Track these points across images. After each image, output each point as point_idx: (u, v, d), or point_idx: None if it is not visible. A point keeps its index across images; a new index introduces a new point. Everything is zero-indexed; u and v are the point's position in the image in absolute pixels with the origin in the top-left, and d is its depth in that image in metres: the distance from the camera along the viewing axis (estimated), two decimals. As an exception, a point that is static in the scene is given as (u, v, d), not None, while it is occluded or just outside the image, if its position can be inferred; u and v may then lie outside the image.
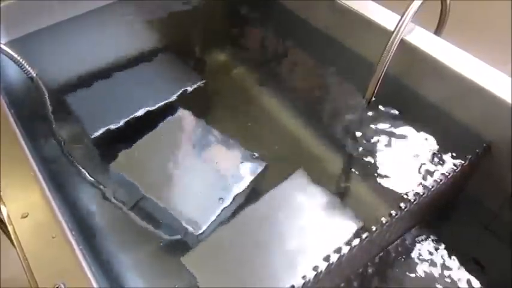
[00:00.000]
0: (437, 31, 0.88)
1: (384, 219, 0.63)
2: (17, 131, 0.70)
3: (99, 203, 0.76)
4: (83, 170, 0.79)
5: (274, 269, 0.65)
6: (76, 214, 0.71)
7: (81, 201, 0.76)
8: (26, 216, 0.58)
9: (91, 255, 0.59)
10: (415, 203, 0.66)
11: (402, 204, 0.65)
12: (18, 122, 0.74)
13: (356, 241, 0.59)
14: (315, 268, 0.57)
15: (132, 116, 0.85)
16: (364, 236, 0.60)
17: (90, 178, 0.78)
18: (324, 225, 0.70)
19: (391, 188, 0.75)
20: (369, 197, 0.77)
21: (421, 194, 0.66)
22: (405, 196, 0.67)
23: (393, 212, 0.64)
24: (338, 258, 0.59)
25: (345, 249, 0.59)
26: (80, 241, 0.57)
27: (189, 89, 0.91)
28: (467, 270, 0.72)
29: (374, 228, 0.62)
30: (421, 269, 0.72)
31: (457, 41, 0.79)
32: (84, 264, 0.53)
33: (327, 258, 0.58)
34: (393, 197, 0.73)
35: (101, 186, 0.77)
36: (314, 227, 0.69)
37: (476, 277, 0.72)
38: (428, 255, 0.74)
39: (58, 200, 0.63)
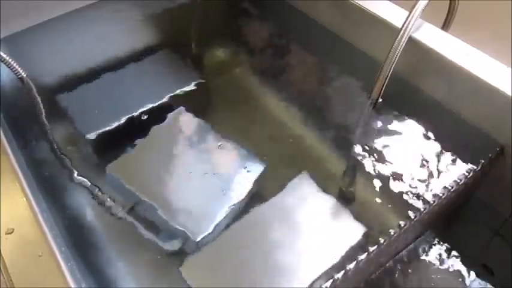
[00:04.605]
0: (444, 29, 0.85)
1: (392, 231, 0.60)
2: (3, 136, 0.68)
3: (93, 211, 0.74)
4: (76, 174, 0.77)
5: (276, 278, 0.63)
6: (68, 224, 0.69)
7: (74, 209, 0.74)
8: (11, 232, 0.55)
9: (82, 271, 0.57)
10: (425, 211, 0.63)
11: (411, 214, 0.63)
12: (7, 126, 0.72)
13: (363, 255, 0.57)
14: (320, 285, 0.55)
15: (128, 116, 0.83)
16: (371, 249, 0.58)
17: (85, 182, 0.76)
18: (329, 233, 0.68)
19: (399, 195, 0.73)
20: (375, 204, 0.75)
21: (431, 202, 0.64)
22: (414, 205, 0.64)
23: (402, 223, 0.61)
24: (344, 273, 0.57)
25: (351, 265, 0.56)
26: (69, 257, 0.55)
27: (188, 88, 0.89)
28: (477, 275, 0.71)
29: (382, 241, 0.60)
30: (431, 276, 0.70)
31: (461, 39, 0.77)
32: (72, 285, 0.50)
33: (332, 275, 0.55)
34: (402, 205, 0.71)
35: (96, 191, 0.75)
36: (318, 236, 0.68)
37: (487, 283, 0.70)
38: (438, 261, 0.72)
39: (47, 211, 0.60)
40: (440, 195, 0.65)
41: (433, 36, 0.77)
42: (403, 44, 0.75)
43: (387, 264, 0.71)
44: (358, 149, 0.80)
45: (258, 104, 0.94)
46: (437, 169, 0.74)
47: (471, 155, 0.72)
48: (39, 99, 0.78)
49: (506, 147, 0.71)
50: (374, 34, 0.85)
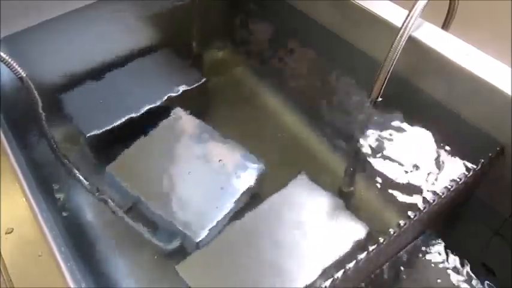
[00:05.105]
0: (444, 29, 0.85)
1: (391, 230, 0.60)
2: (3, 136, 0.67)
3: (93, 211, 0.74)
4: (77, 174, 0.76)
5: (275, 278, 0.63)
6: (67, 224, 0.69)
7: (74, 209, 0.73)
8: (11, 231, 0.54)
9: (82, 271, 0.57)
10: (424, 211, 0.63)
11: (411, 213, 0.62)
12: (7, 127, 0.71)
13: (363, 255, 0.57)
14: (320, 285, 0.55)
15: (128, 116, 0.83)
16: (371, 248, 0.58)
17: (84, 182, 0.76)
18: (328, 233, 0.68)
19: (399, 194, 0.73)
20: (375, 203, 0.75)
21: (431, 201, 0.64)
22: (414, 204, 0.64)
23: (401, 222, 0.61)
24: (344, 272, 0.57)
25: (351, 264, 0.56)
26: (69, 257, 0.55)
27: (188, 88, 0.88)
28: (477, 275, 0.71)
29: (382, 240, 0.59)
30: (430, 275, 0.70)
31: (461, 39, 0.77)
32: (72, 284, 0.50)
33: (331, 274, 0.55)
34: (401, 205, 0.71)
35: (96, 192, 0.75)
36: (317, 236, 0.67)
37: (487, 283, 0.70)
38: (438, 261, 0.72)
39: (47, 211, 0.60)
40: (440, 194, 0.64)
41: (433, 36, 0.77)
42: (403, 44, 0.74)
43: (387, 264, 0.71)
44: (357, 148, 0.80)
45: (257, 104, 0.94)
46: (437, 169, 0.73)
47: (471, 154, 0.71)
48: (39, 99, 0.77)
49: (506, 147, 0.71)
50: (374, 34, 0.84)
